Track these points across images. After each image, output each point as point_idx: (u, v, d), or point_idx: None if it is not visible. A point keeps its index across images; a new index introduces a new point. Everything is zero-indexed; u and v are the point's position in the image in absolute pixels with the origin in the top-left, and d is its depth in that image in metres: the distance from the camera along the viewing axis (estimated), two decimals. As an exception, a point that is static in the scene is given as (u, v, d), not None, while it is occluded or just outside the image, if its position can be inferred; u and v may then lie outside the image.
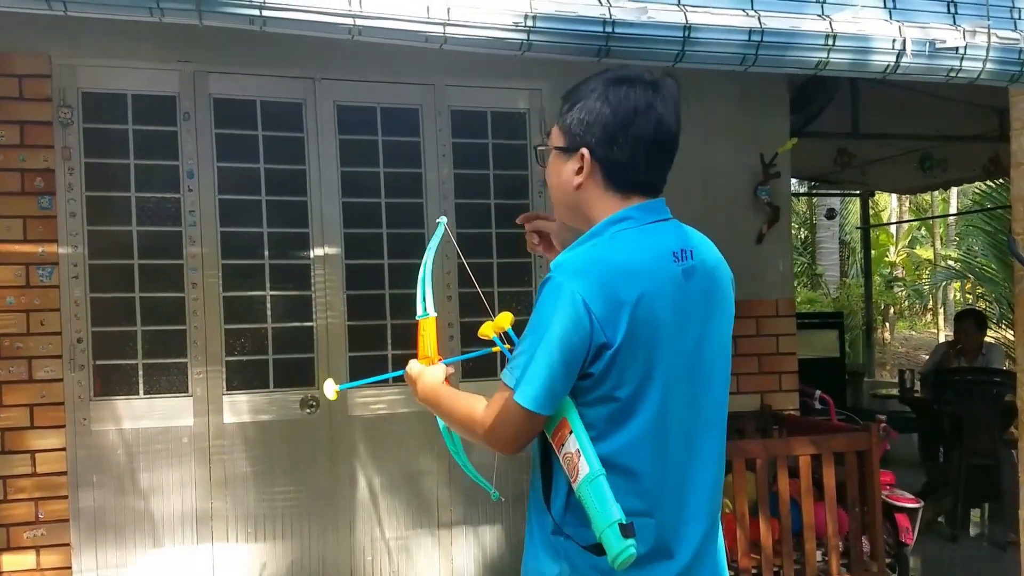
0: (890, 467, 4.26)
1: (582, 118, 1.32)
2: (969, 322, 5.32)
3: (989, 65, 1.49)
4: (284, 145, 3.28)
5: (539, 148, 1.44)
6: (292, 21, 1.25)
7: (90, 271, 3.04)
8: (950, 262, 13.18)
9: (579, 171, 1.34)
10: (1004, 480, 4.42)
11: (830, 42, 1.43)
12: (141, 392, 3.11)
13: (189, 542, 3.14)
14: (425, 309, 1.60)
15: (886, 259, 15.28)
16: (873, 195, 8.69)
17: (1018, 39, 1.50)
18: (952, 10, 1.49)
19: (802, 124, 3.96)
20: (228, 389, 3.19)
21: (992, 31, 1.46)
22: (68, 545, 3.00)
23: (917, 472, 5.46)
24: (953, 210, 13.60)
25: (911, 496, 3.57)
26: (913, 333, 16.75)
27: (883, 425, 3.69)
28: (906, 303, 16.31)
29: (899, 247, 15.87)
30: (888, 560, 3.34)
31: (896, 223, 14.98)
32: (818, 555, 3.19)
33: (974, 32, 1.47)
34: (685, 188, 3.84)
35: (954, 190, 12.16)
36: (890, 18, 1.46)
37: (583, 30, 1.34)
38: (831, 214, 10.19)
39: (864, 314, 8.88)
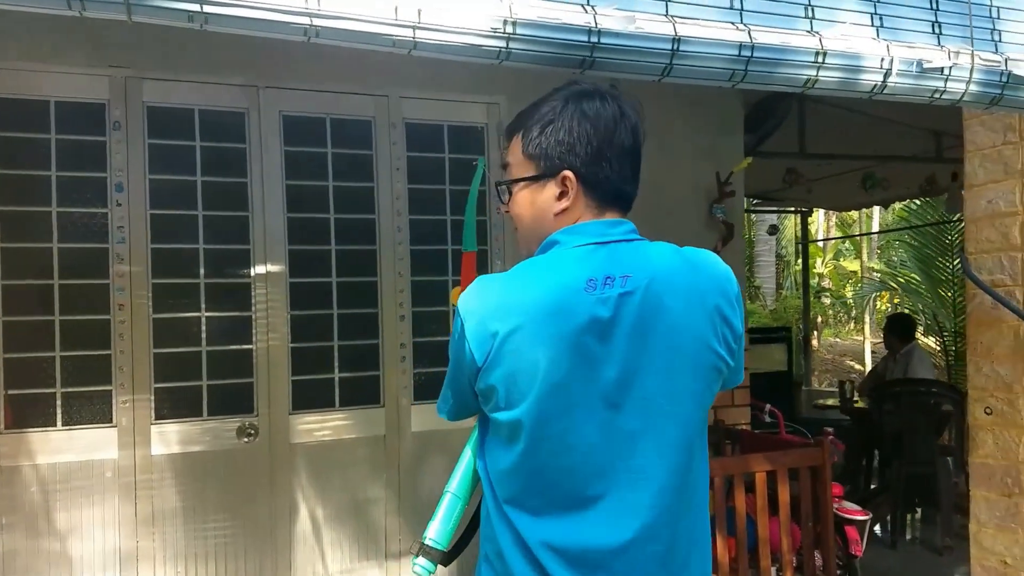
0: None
1: (561, 139, 1.24)
2: (889, 327, 5.77)
3: (972, 87, 1.45)
4: (224, 157, 3.10)
5: (502, 185, 1.33)
6: (239, 19, 1.09)
7: (2, 292, 2.79)
8: (875, 274, 13.70)
9: (561, 196, 1.26)
10: (940, 487, 4.56)
11: (820, 59, 1.36)
12: (59, 423, 2.86)
13: (113, 586, 2.89)
14: (472, 244, 1.77)
15: (814, 271, 15.81)
16: (811, 213, 8.98)
17: (999, 61, 1.47)
18: (937, 30, 1.46)
19: (755, 144, 4.00)
20: (157, 418, 2.97)
21: (976, 52, 1.43)
22: (-30, 595, 2.72)
23: (841, 480, 5.58)
24: (876, 224, 14.17)
25: (860, 508, 3.60)
26: (838, 340, 17.38)
27: (831, 438, 3.71)
28: (831, 312, 16.90)
29: (826, 260, 16.44)
30: (838, 573, 3.35)
31: (837, 238, 15.51)
32: (773, 571, 3.18)
33: (958, 53, 1.43)
34: (642, 206, 3.83)
35: (876, 207, 12.64)
36: (878, 36, 1.41)
37: (567, 39, 1.23)
38: (773, 230, 10.42)
39: (801, 325, 9.13)
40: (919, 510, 5.11)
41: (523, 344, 1.17)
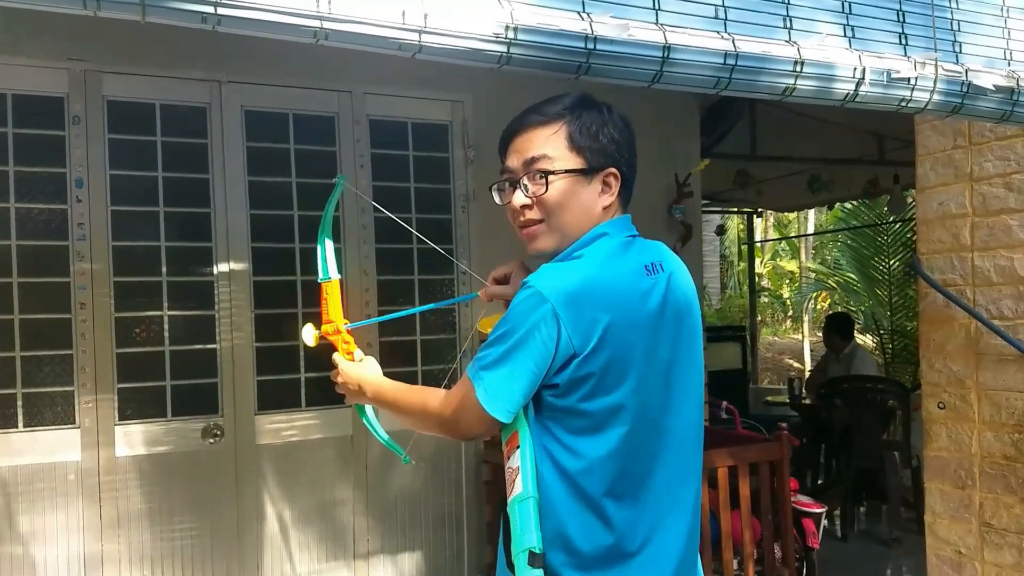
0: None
1: (615, 139, 1.35)
2: (829, 327, 5.88)
3: (936, 96, 1.54)
4: (185, 152, 3.05)
5: (545, 173, 1.32)
6: (251, 21, 1.10)
7: (-39, 292, 2.70)
8: (812, 274, 14.13)
9: (604, 192, 1.36)
10: (888, 480, 4.75)
11: (798, 68, 1.43)
12: (20, 425, 2.78)
13: (77, 591, 2.82)
14: (327, 272, 1.56)
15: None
16: (761, 214, 9.20)
17: (960, 71, 1.57)
18: (903, 41, 1.55)
19: (710, 145, 4.10)
20: (120, 419, 2.91)
21: (939, 63, 1.52)
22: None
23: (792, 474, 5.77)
24: (811, 224, 14.61)
25: (815, 501, 3.72)
26: (776, 339, 17.85)
27: (785, 433, 3.83)
28: (769, 311, 17.35)
29: (764, 260, 16.87)
30: (796, 564, 3.47)
31: (780, 239, 15.88)
32: (734, 563, 3.27)
33: (924, 64, 1.52)
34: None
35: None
36: (850, 47, 1.49)
37: (564, 45, 1.27)
38: (720, 231, 10.64)
39: (747, 324, 9.36)
40: (865, 503, 5.30)
41: (622, 328, 1.24)
